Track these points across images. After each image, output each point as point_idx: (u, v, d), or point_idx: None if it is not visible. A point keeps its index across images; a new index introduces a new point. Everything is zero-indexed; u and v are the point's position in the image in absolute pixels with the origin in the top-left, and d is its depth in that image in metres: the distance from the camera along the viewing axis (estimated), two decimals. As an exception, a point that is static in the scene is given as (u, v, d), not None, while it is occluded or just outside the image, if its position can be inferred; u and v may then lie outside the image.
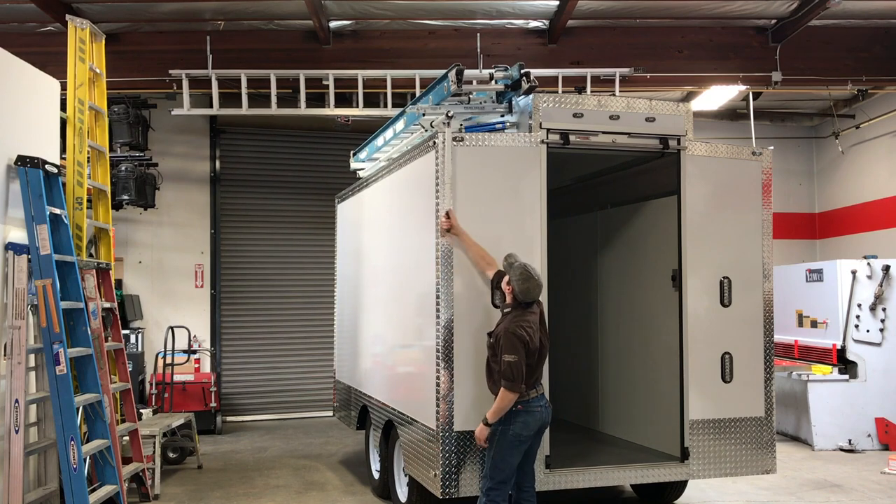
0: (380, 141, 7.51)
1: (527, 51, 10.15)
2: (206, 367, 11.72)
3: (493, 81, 5.55)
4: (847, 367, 9.54)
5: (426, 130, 6.26)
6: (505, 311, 5.22)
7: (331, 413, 10.87)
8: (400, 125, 6.80)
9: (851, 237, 12.93)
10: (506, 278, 5.19)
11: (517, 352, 4.92)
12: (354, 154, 8.58)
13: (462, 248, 5.44)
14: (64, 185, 6.57)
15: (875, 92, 11.48)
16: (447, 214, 5.41)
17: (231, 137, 12.39)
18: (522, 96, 5.83)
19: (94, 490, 6.07)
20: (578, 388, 7.83)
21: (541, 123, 5.73)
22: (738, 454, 6.09)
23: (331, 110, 10.02)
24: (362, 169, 8.50)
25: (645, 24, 10.12)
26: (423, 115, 6.05)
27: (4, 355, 5.70)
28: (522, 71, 5.45)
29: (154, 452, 7.56)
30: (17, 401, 5.59)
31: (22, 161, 5.92)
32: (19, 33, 9.74)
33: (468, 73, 5.51)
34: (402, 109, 6.67)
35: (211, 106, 9.80)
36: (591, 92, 9.89)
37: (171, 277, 12.01)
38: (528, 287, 5.04)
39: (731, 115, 12.60)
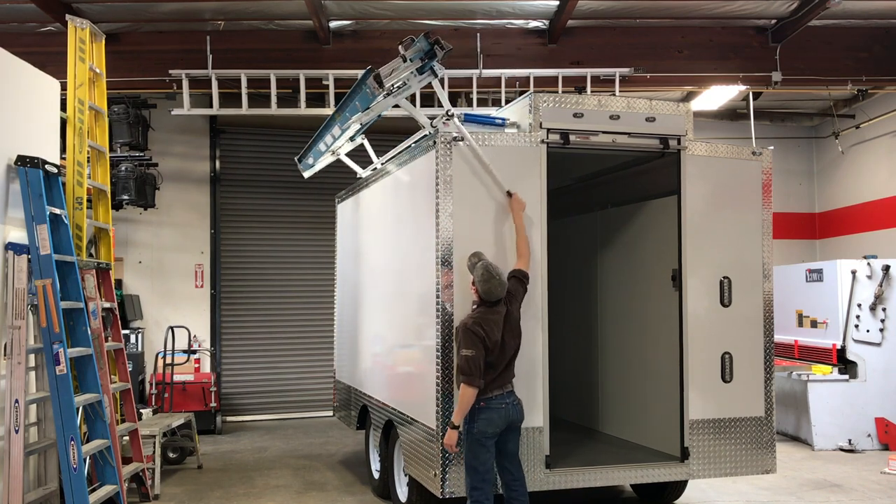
0: (322, 146, 7.63)
1: (527, 51, 10.15)
2: (206, 367, 11.72)
3: (408, 61, 5.58)
4: (847, 367, 9.54)
5: (428, 131, 6.26)
6: (473, 308, 5.32)
7: (331, 413, 10.87)
8: (337, 131, 6.93)
9: (851, 237, 12.93)
10: (471, 278, 5.26)
11: (474, 346, 5.01)
12: (300, 160, 8.51)
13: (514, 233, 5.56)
14: (64, 185, 6.57)
15: (875, 92, 11.48)
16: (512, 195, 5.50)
17: (231, 137, 12.40)
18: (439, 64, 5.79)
19: (94, 490, 6.07)
20: (578, 388, 7.83)
21: (541, 123, 5.73)
22: (738, 454, 6.09)
23: (331, 110, 9.93)
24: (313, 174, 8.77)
25: (645, 24, 10.13)
26: (361, 124, 6.11)
27: (4, 355, 5.70)
28: (431, 39, 5.46)
29: (154, 452, 7.56)
30: (17, 401, 5.59)
31: (22, 161, 5.92)
32: (19, 33, 9.75)
33: (387, 66, 5.58)
34: (331, 115, 6.78)
35: (211, 106, 9.80)
36: (591, 92, 9.89)
37: (171, 277, 12.01)
38: (489, 287, 5.11)
39: (731, 115, 12.60)
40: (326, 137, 7.31)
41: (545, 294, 5.63)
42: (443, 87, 8.86)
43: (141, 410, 8.33)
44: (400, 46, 5.72)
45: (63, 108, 6.96)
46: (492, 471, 5.22)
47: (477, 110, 9.71)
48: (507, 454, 5.35)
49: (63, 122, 6.96)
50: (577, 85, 10.04)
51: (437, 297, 5.42)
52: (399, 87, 5.74)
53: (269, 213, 12.43)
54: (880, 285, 9.46)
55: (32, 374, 6.01)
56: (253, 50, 9.95)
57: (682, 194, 6.08)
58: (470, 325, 5.10)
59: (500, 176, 5.57)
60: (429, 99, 10.16)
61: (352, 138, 7.72)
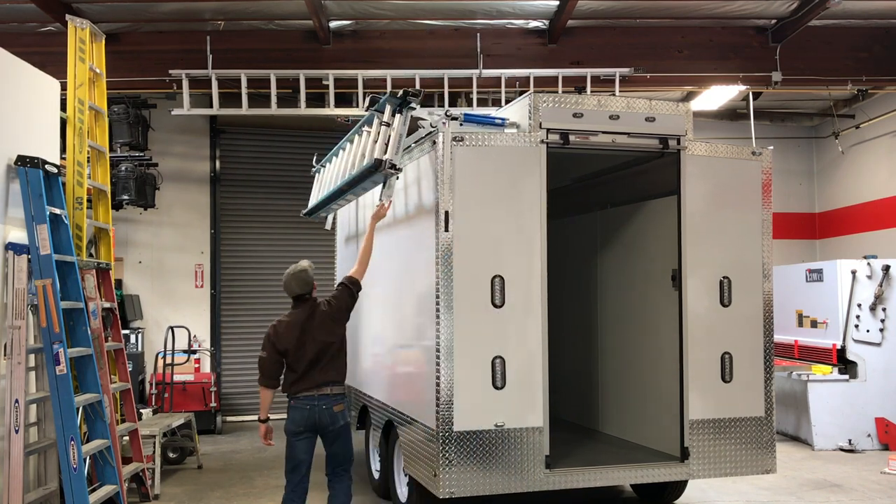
0: (335, 206, 8.05)
1: (527, 51, 10.15)
2: (206, 367, 11.72)
3: (392, 124, 5.76)
4: (847, 367, 9.54)
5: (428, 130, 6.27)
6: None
7: (331, 413, 10.85)
8: (351, 197, 7.36)
9: (851, 237, 12.93)
10: None
11: (264, 348, 5.44)
12: (310, 214, 8.80)
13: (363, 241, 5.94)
14: (64, 185, 6.57)
15: (875, 92, 11.48)
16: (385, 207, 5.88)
17: (231, 137, 12.40)
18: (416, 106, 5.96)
19: (94, 490, 6.07)
20: (578, 388, 7.83)
21: (540, 123, 5.73)
22: (738, 454, 6.09)
23: (331, 110, 10.03)
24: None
25: (645, 24, 10.12)
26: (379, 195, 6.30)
27: (4, 355, 5.70)
28: (398, 96, 5.68)
29: (154, 452, 7.56)
30: (17, 401, 5.59)
31: (22, 161, 5.92)
32: (19, 33, 9.75)
33: (379, 143, 5.76)
34: (340, 187, 6.94)
35: (211, 106, 9.80)
36: (591, 92, 9.89)
37: (171, 277, 12.01)
38: (285, 283, 5.53)
39: (731, 115, 12.60)
40: (340, 201, 7.66)
41: (545, 294, 5.62)
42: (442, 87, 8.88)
43: (141, 410, 8.33)
44: (371, 110, 6.01)
45: (63, 108, 6.96)
46: (300, 468, 5.41)
47: (477, 110, 9.72)
48: (328, 458, 5.57)
49: (63, 122, 6.96)
50: (577, 85, 10.04)
51: (437, 297, 5.42)
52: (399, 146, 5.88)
53: (269, 213, 12.43)
54: (880, 285, 9.46)
55: (32, 374, 6.01)
56: (253, 50, 9.95)
57: (681, 194, 6.08)
58: (270, 327, 5.48)
59: (500, 176, 5.58)
60: (428, 99, 10.16)
61: None
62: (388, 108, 5.80)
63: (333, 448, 5.53)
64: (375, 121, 6.03)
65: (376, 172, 5.70)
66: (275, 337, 5.40)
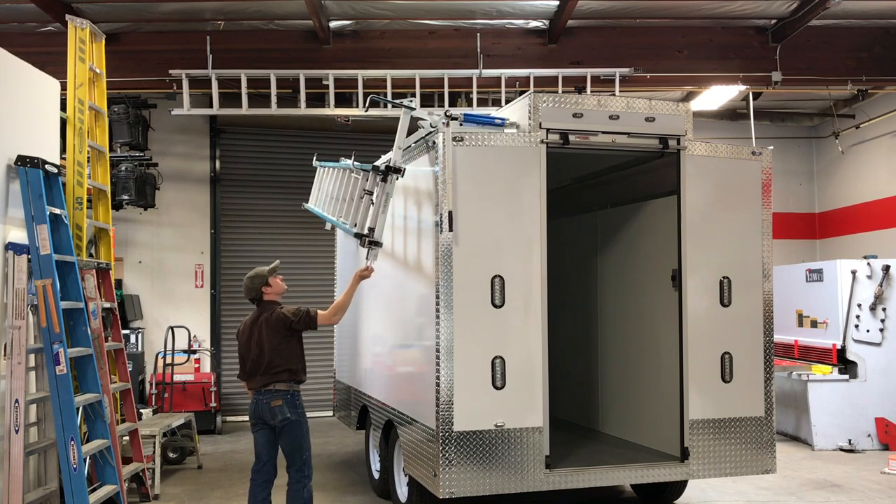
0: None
1: (527, 51, 10.15)
2: (206, 367, 11.72)
3: (375, 188, 5.97)
4: (847, 366, 9.54)
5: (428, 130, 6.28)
6: None
7: (331, 413, 10.87)
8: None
9: (851, 237, 12.93)
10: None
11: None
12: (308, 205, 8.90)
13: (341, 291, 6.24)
14: (64, 185, 6.57)
15: (875, 92, 11.48)
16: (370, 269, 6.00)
17: (231, 137, 12.39)
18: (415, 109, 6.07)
19: (94, 490, 6.07)
20: (578, 388, 7.83)
21: (540, 123, 5.73)
22: (738, 454, 6.09)
23: (331, 110, 10.03)
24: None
25: (645, 24, 10.13)
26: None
27: (4, 355, 5.70)
28: (381, 169, 5.86)
29: (154, 452, 7.57)
30: (17, 401, 5.59)
31: (22, 161, 5.92)
32: (19, 33, 9.75)
33: (362, 212, 6.19)
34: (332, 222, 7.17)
35: (211, 106, 9.81)
36: (591, 92, 9.89)
37: (171, 277, 12.01)
38: (243, 285, 6.23)
39: (731, 115, 12.60)
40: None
41: (545, 294, 5.62)
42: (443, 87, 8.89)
43: (141, 410, 8.33)
44: (369, 107, 6.38)
45: (63, 108, 6.95)
46: (259, 456, 5.89)
47: (477, 110, 9.72)
48: (284, 453, 5.85)
49: (63, 122, 6.96)
50: (577, 85, 10.05)
51: (437, 297, 5.42)
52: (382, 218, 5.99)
53: (269, 213, 12.43)
54: (880, 285, 9.46)
55: (32, 374, 6.01)
56: (253, 50, 9.95)
57: (681, 194, 6.07)
58: None
59: (500, 176, 5.58)
60: (428, 99, 10.17)
61: None
62: (371, 177, 5.95)
63: (280, 442, 5.83)
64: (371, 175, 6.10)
65: (391, 175, 5.83)
66: (237, 334, 6.11)
